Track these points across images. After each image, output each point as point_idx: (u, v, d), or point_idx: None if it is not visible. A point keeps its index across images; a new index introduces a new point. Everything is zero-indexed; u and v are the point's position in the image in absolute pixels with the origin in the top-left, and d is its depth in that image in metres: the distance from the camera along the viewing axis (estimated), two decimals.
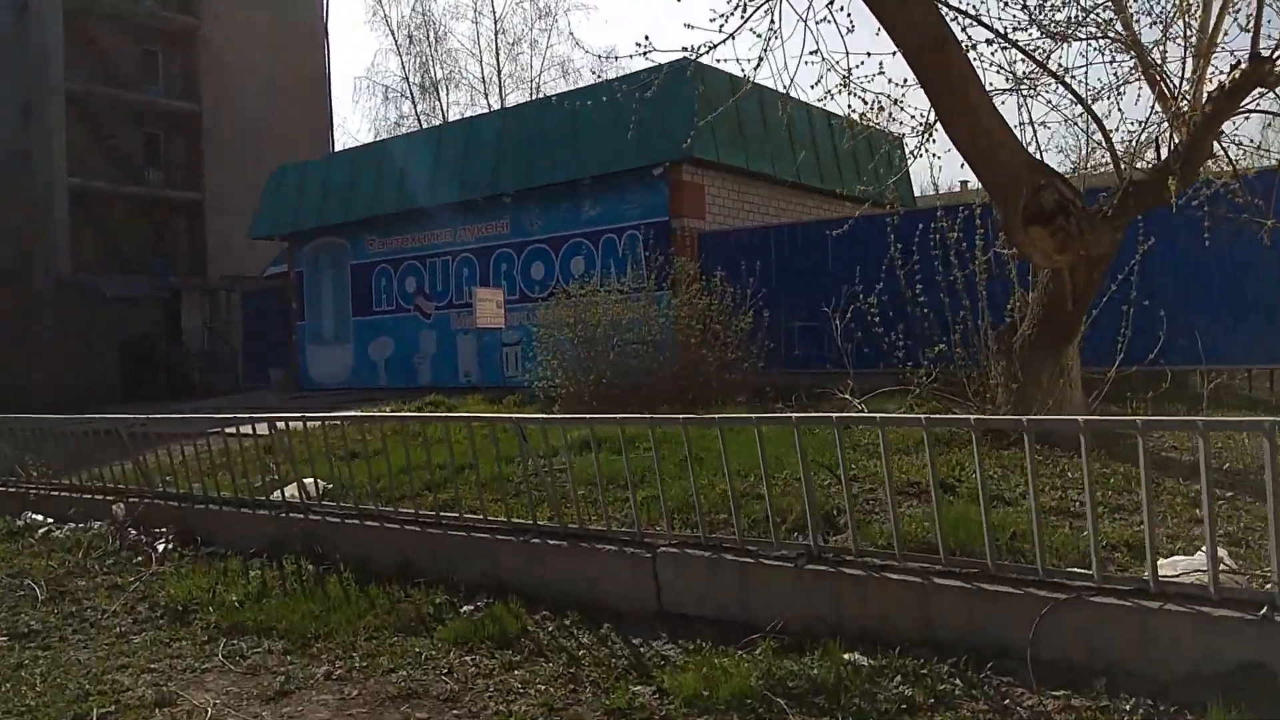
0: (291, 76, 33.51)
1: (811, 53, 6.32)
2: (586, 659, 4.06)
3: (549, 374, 9.68)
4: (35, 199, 28.42)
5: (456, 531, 5.31)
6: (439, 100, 38.43)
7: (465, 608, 4.78)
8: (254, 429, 7.06)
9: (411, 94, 38.31)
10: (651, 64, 6.99)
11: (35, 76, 28.06)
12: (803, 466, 4.28)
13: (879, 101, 6.65)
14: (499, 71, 37.90)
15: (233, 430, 7.22)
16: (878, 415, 4.37)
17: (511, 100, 36.64)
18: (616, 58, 25.21)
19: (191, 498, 6.91)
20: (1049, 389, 5.88)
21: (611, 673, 3.89)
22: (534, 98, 33.87)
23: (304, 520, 6.09)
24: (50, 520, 7.71)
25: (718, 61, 7.19)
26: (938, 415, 5.69)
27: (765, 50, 6.33)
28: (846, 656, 3.63)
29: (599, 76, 29.46)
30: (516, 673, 3.99)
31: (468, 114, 34.55)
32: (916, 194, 17.66)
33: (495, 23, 44.22)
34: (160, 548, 6.44)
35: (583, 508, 5.11)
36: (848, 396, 6.91)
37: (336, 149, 36.77)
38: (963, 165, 8.55)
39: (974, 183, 7.32)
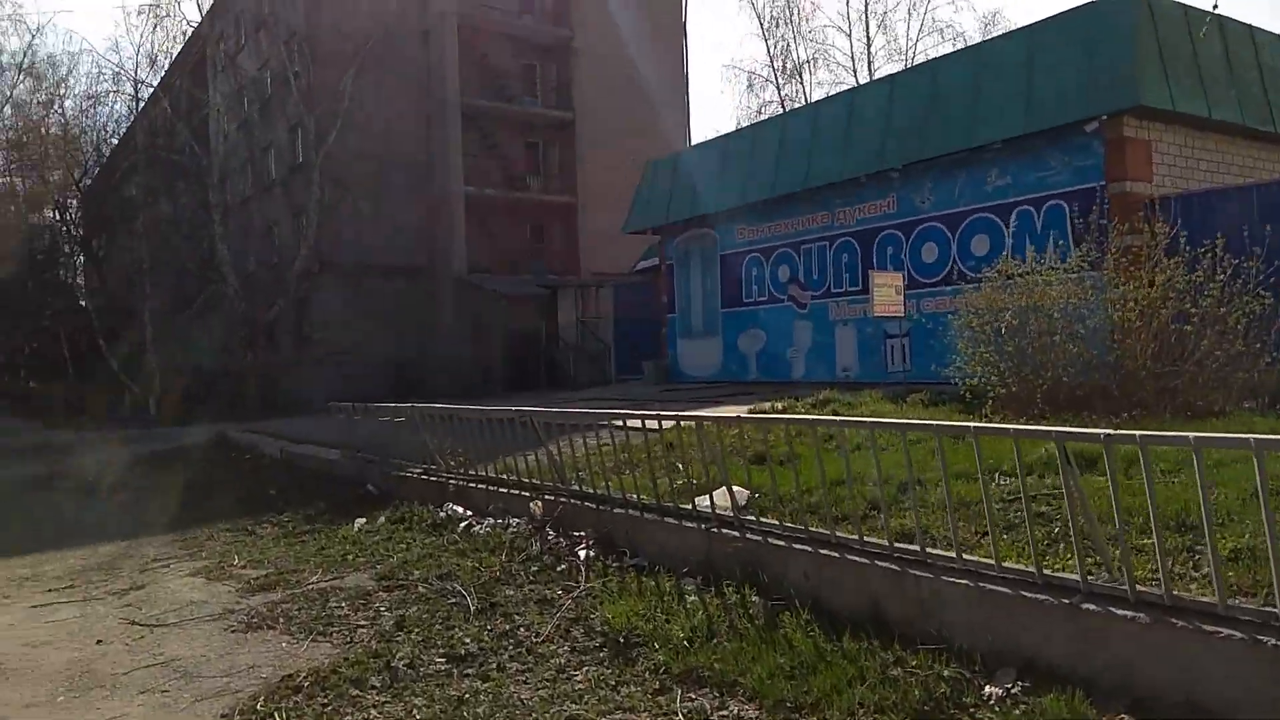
0: (655, 74, 34.50)
1: None
2: None
3: (986, 370, 8.07)
4: (436, 204, 31.80)
5: (957, 580, 4.03)
6: (801, 83, 37.64)
7: (990, 689, 3.50)
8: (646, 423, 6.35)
9: (775, 78, 37.89)
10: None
11: (435, 92, 31.32)
12: None
13: None
14: (868, 45, 36.27)
15: (635, 424, 6.64)
16: None
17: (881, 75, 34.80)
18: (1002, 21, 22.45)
19: (609, 500, 6.35)
20: None
21: None
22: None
23: (740, 540, 5.18)
24: (469, 513, 7.66)
25: None
26: None
27: None
28: None
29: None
30: None
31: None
32: None
33: None
34: (581, 554, 5.92)
35: (1154, 562, 3.59)
36: None
37: (694, 142, 37.20)
38: None
39: None
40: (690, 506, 5.73)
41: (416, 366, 31.94)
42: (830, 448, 6.08)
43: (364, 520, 8.07)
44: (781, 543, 4.95)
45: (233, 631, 5.16)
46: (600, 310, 34.40)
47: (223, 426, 20.02)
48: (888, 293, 11.57)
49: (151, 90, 30.64)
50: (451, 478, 8.47)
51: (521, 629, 4.77)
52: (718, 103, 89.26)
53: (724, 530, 5.34)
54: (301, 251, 28.06)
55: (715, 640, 4.26)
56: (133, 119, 31.63)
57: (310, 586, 5.99)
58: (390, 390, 31.08)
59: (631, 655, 4.27)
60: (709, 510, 5.55)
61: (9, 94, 30.20)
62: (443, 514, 7.80)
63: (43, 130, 31.51)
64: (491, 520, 7.24)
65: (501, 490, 7.60)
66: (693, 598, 4.87)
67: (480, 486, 7.93)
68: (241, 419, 23.53)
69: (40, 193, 33.22)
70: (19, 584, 6.81)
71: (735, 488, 5.61)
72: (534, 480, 7.37)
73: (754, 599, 4.69)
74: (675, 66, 36.28)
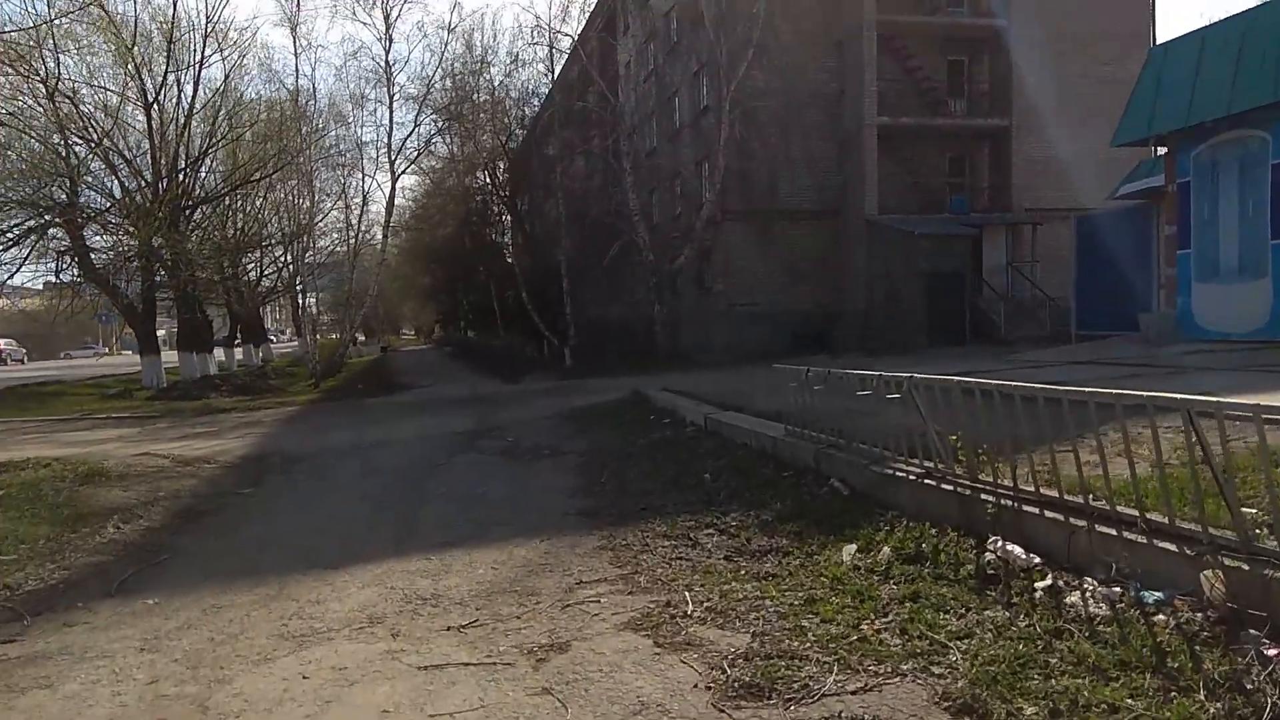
0: None
1: None
2: None
3: None
4: (846, 138, 28.66)
5: None
6: None
7: None
8: None
9: None
10: None
11: (848, 13, 27.99)
12: None
13: None
14: None
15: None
16: None
17: None
18: None
19: None
20: None
21: None
22: None
23: None
24: (1037, 561, 4.67)
25: None
26: None
27: None
28: None
29: None
30: None
31: None
32: None
33: None
34: None
35: None
36: None
37: (1157, 43, 30.05)
38: None
39: None
40: None
41: (822, 318, 29.42)
42: None
43: (855, 549, 5.43)
44: None
45: None
46: (1037, 253, 29.26)
47: (635, 381, 19.05)
48: None
49: (570, 43, 31.05)
50: (987, 490, 5.51)
51: None
52: None
53: None
54: (707, 197, 26.63)
55: None
56: (551, 78, 32.46)
57: (824, 699, 3.46)
58: (793, 345, 28.97)
59: None
60: None
61: (445, 65, 32.34)
62: (988, 555, 4.90)
63: (474, 98, 33.51)
64: (1097, 588, 4.18)
65: (1105, 530, 4.49)
66: None
67: (1051, 515, 4.89)
68: (647, 371, 22.71)
69: (473, 157, 35.61)
70: (415, 608, 5.14)
71: None
72: (1182, 525, 4.17)
73: None
74: None
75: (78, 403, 22.24)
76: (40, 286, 36.65)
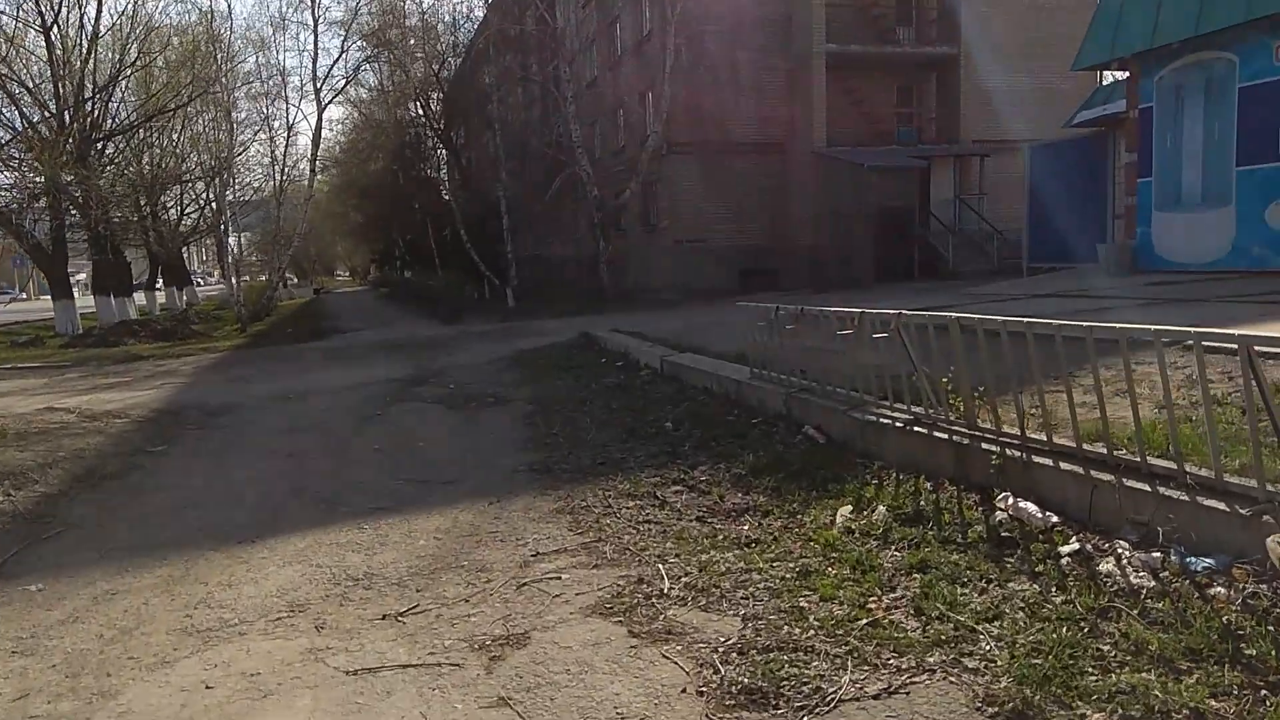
0: None
1: None
2: None
3: None
4: (794, 67, 27.74)
5: None
6: None
7: None
8: None
9: None
10: None
11: None
12: None
13: None
14: None
15: None
16: None
17: None
18: None
19: None
20: None
21: None
22: None
23: None
24: (1055, 519, 4.13)
25: None
26: None
27: None
28: None
29: None
30: None
31: None
32: None
33: None
34: None
35: None
36: None
37: None
38: None
39: None
40: None
41: (769, 254, 28.87)
42: None
43: (849, 510, 4.84)
44: None
45: None
46: (985, 186, 29.00)
47: (581, 322, 18.30)
48: None
49: None
50: (988, 438, 4.95)
51: None
52: None
53: None
54: (654, 128, 25.61)
55: None
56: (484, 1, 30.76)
57: (842, 707, 2.86)
58: (741, 282, 28.39)
59: None
60: None
61: None
62: (999, 514, 4.34)
63: (404, 22, 31.64)
64: (1134, 554, 3.65)
65: (1135, 485, 3.94)
66: None
67: (1067, 467, 4.33)
68: (594, 311, 21.96)
69: (404, 87, 33.83)
70: (344, 591, 4.41)
71: None
72: (1231, 480, 3.64)
73: None
74: None
75: None
76: None
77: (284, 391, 11.85)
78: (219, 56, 28.23)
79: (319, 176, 34.55)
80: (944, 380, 5.56)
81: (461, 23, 32.74)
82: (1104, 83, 20.52)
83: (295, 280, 64.50)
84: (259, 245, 46.59)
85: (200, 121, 32.22)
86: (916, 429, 5.55)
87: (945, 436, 5.28)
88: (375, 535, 5.30)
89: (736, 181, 27.64)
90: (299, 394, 11.55)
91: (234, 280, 29.46)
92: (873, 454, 5.83)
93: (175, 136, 33.04)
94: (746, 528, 4.90)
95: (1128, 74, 14.65)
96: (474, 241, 29.65)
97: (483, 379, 11.83)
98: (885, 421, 5.83)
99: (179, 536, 5.58)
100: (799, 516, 4.92)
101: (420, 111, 35.88)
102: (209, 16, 28.13)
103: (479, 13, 32.13)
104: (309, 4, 28.01)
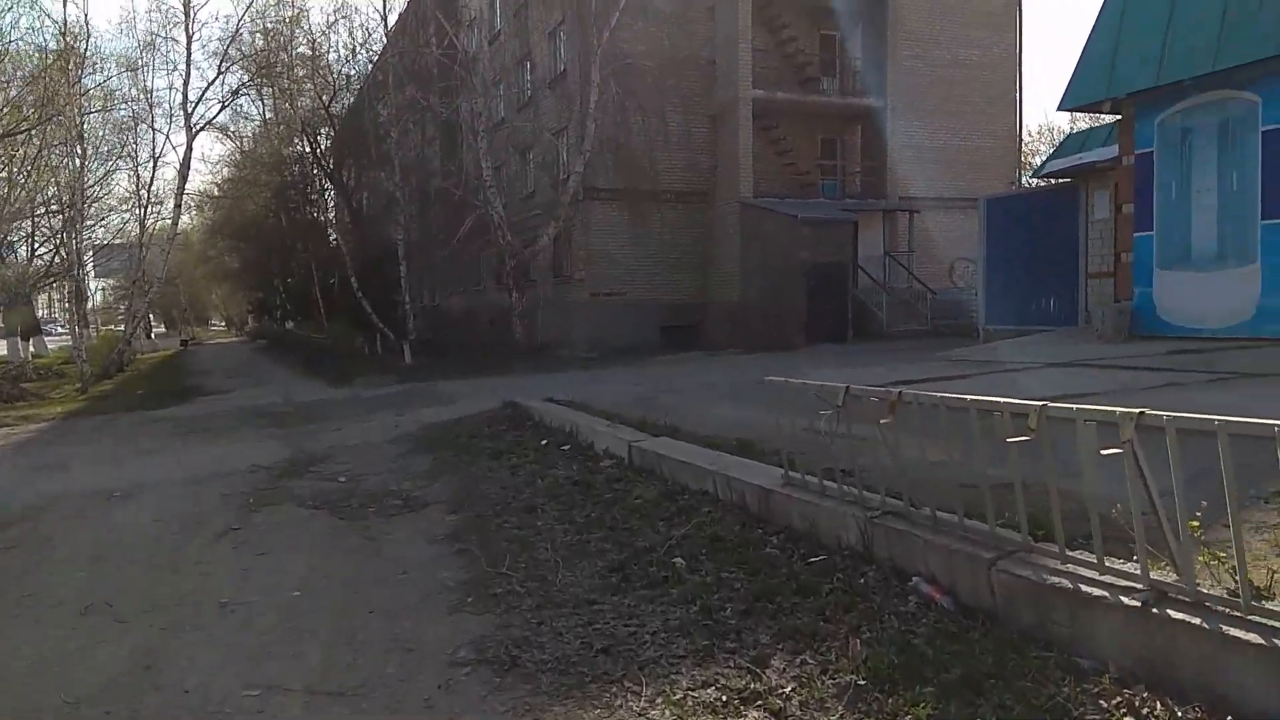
0: None
1: None
2: None
3: None
4: (719, 112, 26.14)
5: None
6: None
7: None
8: None
9: None
10: None
11: None
12: None
13: None
14: None
15: None
16: None
17: None
18: None
19: None
20: None
21: None
22: None
23: None
24: None
25: None
26: None
27: None
28: None
29: None
30: None
31: None
32: None
33: None
34: None
35: None
36: None
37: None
38: None
39: None
40: None
41: (691, 309, 26.91)
42: None
43: None
44: None
45: None
46: (911, 243, 27.99)
47: (495, 384, 15.64)
48: None
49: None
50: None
51: None
52: None
53: None
54: (575, 168, 23.35)
55: None
56: (385, 27, 28.13)
57: None
58: (661, 339, 26.22)
59: None
60: None
61: (255, 8, 27.32)
62: None
63: (290, 49, 28.65)
64: None
65: None
66: None
67: None
68: (507, 371, 19.30)
69: (290, 120, 30.72)
70: None
71: None
72: None
73: None
74: None
75: None
76: None
77: (109, 486, 8.75)
78: (70, 76, 24.62)
79: (189, 216, 30.85)
80: (1193, 523, 3.31)
81: (358, 51, 29.90)
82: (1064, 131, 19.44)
83: (163, 330, 59.06)
84: (122, 293, 41.98)
85: (54, 152, 28.29)
86: (1173, 614, 3.21)
87: (1244, 635, 2.97)
88: None
89: (658, 230, 25.66)
90: (127, 490, 8.49)
91: (77, 329, 25.40)
92: (1065, 642, 3.48)
93: (21, 166, 28.95)
94: None
95: (1119, 117, 13.21)
96: (366, 290, 26.61)
97: (383, 467, 9.04)
98: (1097, 594, 3.48)
99: None
100: None
101: (307, 147, 32.70)
102: (63, 28, 24.50)
103: (377, 44, 29.43)
104: (182, 19, 24.73)
